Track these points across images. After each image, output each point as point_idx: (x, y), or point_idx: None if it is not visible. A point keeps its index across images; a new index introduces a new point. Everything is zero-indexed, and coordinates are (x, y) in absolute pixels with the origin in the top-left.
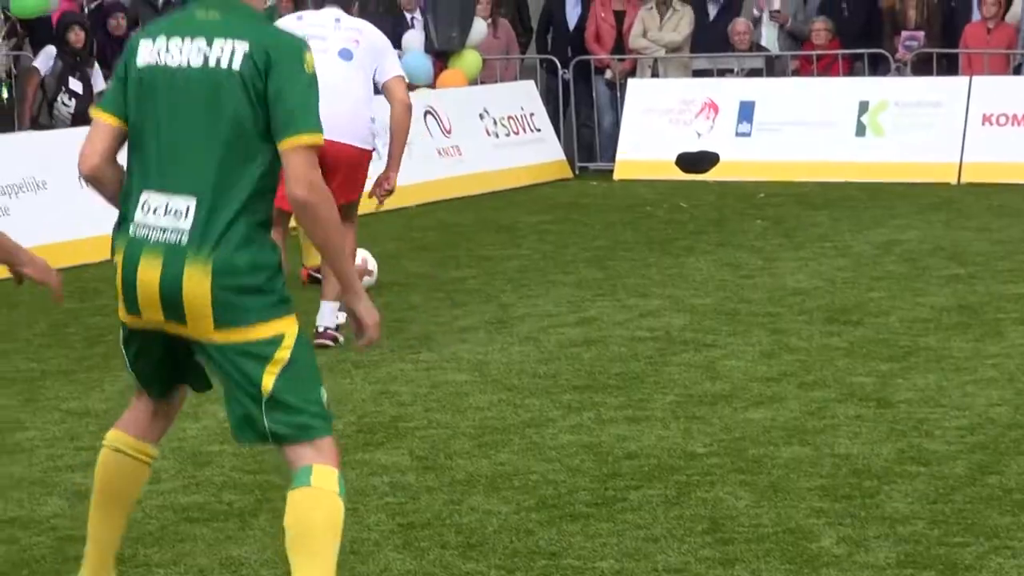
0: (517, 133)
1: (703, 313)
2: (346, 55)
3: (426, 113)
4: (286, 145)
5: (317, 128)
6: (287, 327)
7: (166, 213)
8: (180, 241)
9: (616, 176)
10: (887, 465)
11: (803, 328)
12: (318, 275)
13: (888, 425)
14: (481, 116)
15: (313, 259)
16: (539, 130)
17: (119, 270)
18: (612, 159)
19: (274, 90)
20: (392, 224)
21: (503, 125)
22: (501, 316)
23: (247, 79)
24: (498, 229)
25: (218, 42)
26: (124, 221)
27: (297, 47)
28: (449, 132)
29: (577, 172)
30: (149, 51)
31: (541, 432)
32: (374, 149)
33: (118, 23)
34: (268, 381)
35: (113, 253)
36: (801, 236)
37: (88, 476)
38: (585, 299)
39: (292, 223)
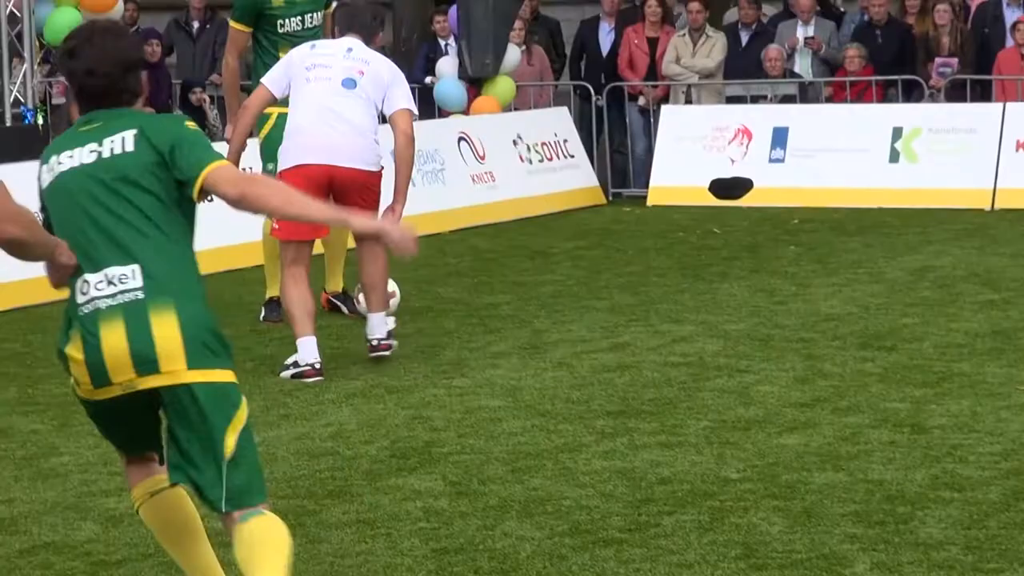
0: (551, 159)
1: (736, 339)
2: (349, 84)
3: (460, 139)
4: (203, 178)
5: (220, 156)
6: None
7: (109, 283)
8: (136, 298)
9: (649, 202)
10: (921, 491)
11: (837, 354)
12: (336, 301)
13: (922, 451)
14: (515, 142)
15: (334, 284)
16: (572, 156)
17: (80, 352)
18: (645, 185)
19: (169, 148)
20: (425, 250)
21: (536, 151)
22: (534, 341)
23: (145, 152)
24: (531, 255)
25: (107, 139)
26: (69, 320)
27: (178, 117)
28: (483, 158)
29: (610, 198)
30: (48, 171)
31: (574, 457)
32: (383, 168)
33: (153, 50)
34: (231, 441)
35: (65, 346)
36: (834, 262)
37: (122, 500)
38: (618, 325)
39: (317, 248)
